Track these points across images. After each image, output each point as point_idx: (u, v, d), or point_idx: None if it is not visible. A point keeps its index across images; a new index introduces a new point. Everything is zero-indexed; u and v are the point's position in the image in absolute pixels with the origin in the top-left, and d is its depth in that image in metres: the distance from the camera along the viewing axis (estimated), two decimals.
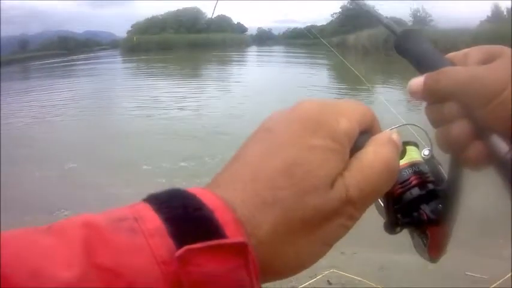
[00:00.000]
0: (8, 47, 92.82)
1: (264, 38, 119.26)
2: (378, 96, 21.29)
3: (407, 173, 0.89)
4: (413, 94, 0.80)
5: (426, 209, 0.86)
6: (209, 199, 0.51)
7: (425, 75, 0.79)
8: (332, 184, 0.56)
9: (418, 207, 0.87)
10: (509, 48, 0.78)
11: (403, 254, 5.55)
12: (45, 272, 0.42)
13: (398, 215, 0.88)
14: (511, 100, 0.69)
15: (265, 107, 17.60)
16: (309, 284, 4.93)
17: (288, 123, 0.60)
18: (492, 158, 0.74)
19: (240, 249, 0.48)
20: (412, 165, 0.90)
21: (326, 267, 5.15)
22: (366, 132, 0.67)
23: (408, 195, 0.87)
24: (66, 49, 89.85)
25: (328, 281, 5.12)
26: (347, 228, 0.60)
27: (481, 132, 0.74)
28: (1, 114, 16.54)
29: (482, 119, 0.72)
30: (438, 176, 0.91)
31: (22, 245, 0.44)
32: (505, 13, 63.33)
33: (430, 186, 0.89)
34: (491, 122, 0.71)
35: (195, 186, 0.55)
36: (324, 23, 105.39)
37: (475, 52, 0.81)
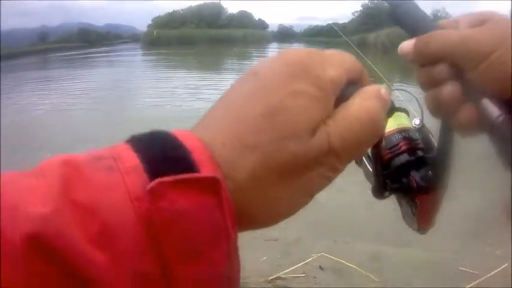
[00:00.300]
0: (27, 39, 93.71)
1: (285, 35, 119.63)
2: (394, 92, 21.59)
3: (396, 138, 0.91)
4: (405, 55, 0.82)
5: (416, 176, 0.87)
6: (189, 140, 0.50)
7: (416, 38, 0.81)
8: (314, 131, 0.54)
9: (407, 173, 0.87)
10: (497, 13, 0.79)
11: (397, 246, 5.65)
12: (20, 208, 0.42)
13: (387, 181, 0.88)
14: (500, 62, 0.70)
15: None
16: (301, 267, 5.10)
17: (274, 68, 0.57)
18: (483, 122, 0.73)
19: (212, 186, 0.47)
20: (402, 130, 0.92)
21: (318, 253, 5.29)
22: (354, 83, 0.62)
23: (397, 161, 0.88)
24: (87, 41, 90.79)
25: (320, 266, 5.17)
26: (328, 180, 0.57)
27: (471, 95, 0.74)
28: (18, 103, 16.72)
29: (472, 80, 0.73)
30: (428, 144, 0.92)
31: (4, 184, 0.44)
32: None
33: (420, 153, 0.90)
34: (481, 83, 0.72)
35: None
36: (346, 21, 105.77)
37: (465, 18, 0.83)
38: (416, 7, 0.88)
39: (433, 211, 0.89)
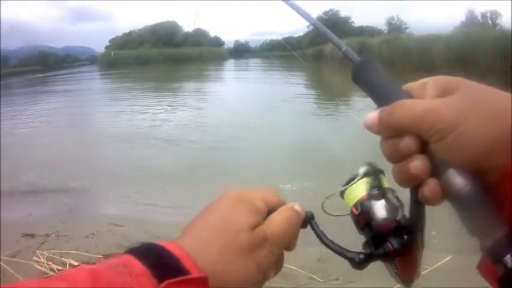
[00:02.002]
0: None
1: (241, 51, 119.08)
2: (351, 106, 21.65)
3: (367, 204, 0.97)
4: (369, 128, 0.82)
5: (393, 242, 0.92)
6: (176, 250, 0.74)
7: (380, 109, 0.81)
8: (252, 227, 0.83)
9: (385, 240, 0.93)
10: (467, 80, 0.81)
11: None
12: None
13: (370, 249, 0.95)
14: (466, 135, 0.72)
15: (225, 120, 17.83)
16: None
17: (225, 202, 0.87)
18: (448, 193, 0.76)
19: (202, 281, 0.71)
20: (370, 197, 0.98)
21: None
22: (274, 209, 0.90)
23: (375, 229, 0.94)
24: (46, 64, 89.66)
25: None
26: (270, 259, 0.84)
27: (437, 167, 0.76)
28: None
29: (438, 153, 0.75)
30: (402, 207, 0.95)
31: None
32: (479, 17, 64.00)
33: (396, 212, 0.94)
34: (447, 155, 0.74)
35: None
36: (301, 34, 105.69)
37: (432, 84, 0.83)
38: (380, 69, 0.88)
39: (413, 268, 0.94)
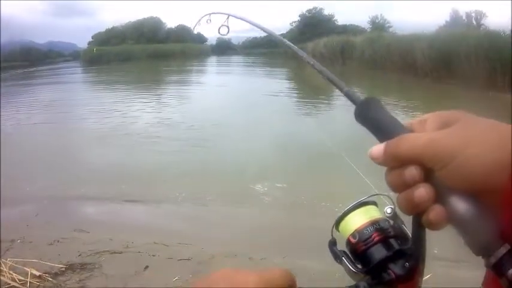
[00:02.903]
0: None
1: (224, 48, 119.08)
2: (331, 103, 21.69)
3: (368, 231, 0.97)
4: (375, 160, 0.86)
5: (394, 269, 0.92)
6: None
7: (385, 142, 0.85)
8: None
9: (386, 267, 0.92)
10: (466, 113, 0.84)
11: (310, 260, 5.75)
12: None
13: (367, 277, 0.94)
14: (467, 162, 0.75)
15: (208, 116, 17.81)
16: None
17: None
18: (451, 219, 0.79)
19: None
20: (373, 223, 0.98)
21: None
22: None
23: (375, 255, 0.94)
24: (29, 60, 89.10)
25: None
26: None
27: (440, 193, 0.79)
28: None
29: (441, 180, 0.78)
30: (400, 232, 0.97)
31: None
32: (464, 17, 64.29)
33: (393, 241, 0.95)
34: (449, 182, 0.77)
35: None
36: (284, 32, 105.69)
37: (432, 118, 0.87)
38: (382, 107, 0.93)
39: None
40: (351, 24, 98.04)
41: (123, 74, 49.88)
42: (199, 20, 2.37)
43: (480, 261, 0.80)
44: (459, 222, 0.78)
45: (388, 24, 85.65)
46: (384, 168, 0.87)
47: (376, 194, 1.07)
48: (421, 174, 0.79)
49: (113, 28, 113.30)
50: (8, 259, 5.71)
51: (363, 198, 1.03)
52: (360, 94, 0.98)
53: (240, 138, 14.46)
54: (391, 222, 0.98)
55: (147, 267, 5.82)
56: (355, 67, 41.43)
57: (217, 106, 21.45)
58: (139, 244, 6.60)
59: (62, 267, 5.72)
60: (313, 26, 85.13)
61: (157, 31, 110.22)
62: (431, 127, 0.85)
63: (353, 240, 0.98)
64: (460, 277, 5.40)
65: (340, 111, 19.94)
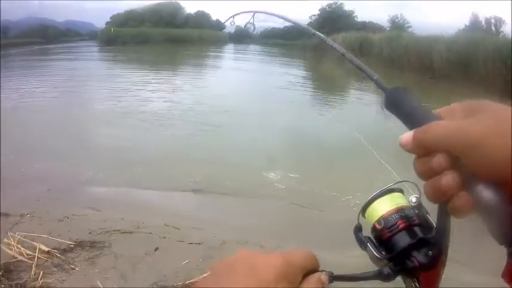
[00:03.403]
0: None
1: (242, 36, 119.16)
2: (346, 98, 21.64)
3: (394, 218, 0.98)
4: (404, 146, 0.86)
5: (418, 256, 0.92)
6: None
7: (414, 129, 0.86)
8: None
9: (409, 254, 0.93)
10: (492, 102, 0.84)
11: (322, 249, 5.63)
12: None
13: (391, 263, 0.95)
14: (492, 149, 0.75)
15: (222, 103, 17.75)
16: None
17: (268, 272, 0.80)
18: (478, 206, 0.78)
19: None
20: (398, 210, 0.98)
21: None
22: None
23: (399, 242, 0.95)
24: (46, 38, 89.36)
25: None
26: None
27: (467, 181, 0.79)
28: None
29: (468, 168, 0.78)
30: (425, 220, 0.96)
31: None
32: (483, 23, 64.02)
33: (417, 229, 0.95)
34: (476, 170, 0.77)
35: None
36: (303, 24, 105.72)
37: (460, 107, 0.87)
38: (411, 95, 0.95)
39: (435, 284, 0.95)
40: (371, 22, 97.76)
41: (139, 56, 49.85)
42: (226, 21, 2.47)
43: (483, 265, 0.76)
44: (485, 210, 0.78)
45: (407, 24, 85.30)
46: (407, 159, 0.89)
47: (402, 181, 1.08)
48: (449, 162, 0.80)
49: (132, 10, 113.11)
50: (17, 233, 5.65)
51: (389, 185, 1.04)
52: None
53: (253, 126, 14.41)
54: (416, 211, 0.98)
55: (157, 248, 5.76)
56: (372, 65, 41.37)
57: (232, 93, 21.45)
58: (150, 225, 6.55)
59: (71, 244, 5.66)
60: (332, 20, 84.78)
61: (175, 16, 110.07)
62: (459, 115, 0.85)
63: (378, 227, 1.00)
64: (465, 281, 5.35)
65: (356, 105, 19.94)
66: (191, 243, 6.03)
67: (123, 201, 7.98)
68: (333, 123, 14.92)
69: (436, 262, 0.91)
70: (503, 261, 0.79)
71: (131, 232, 6.24)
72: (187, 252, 5.73)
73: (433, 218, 0.95)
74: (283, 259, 0.82)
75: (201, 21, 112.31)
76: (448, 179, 0.79)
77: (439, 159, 0.80)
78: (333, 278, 0.91)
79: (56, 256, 5.31)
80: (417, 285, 0.94)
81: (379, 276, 0.95)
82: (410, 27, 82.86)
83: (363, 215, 1.06)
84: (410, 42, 38.49)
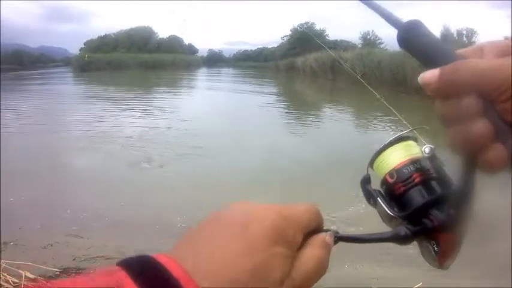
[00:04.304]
0: None
1: (215, 60, 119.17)
2: (321, 117, 21.72)
3: (408, 170, 0.90)
4: (427, 85, 0.76)
5: (437, 215, 0.84)
6: (175, 270, 0.60)
7: (440, 67, 0.74)
8: (282, 282, 0.67)
9: (427, 213, 0.85)
10: None
11: None
12: None
13: (407, 224, 0.86)
14: None
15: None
16: None
17: (260, 231, 0.68)
18: None
19: None
20: (414, 162, 0.91)
21: None
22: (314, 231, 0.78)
23: (415, 199, 0.87)
24: (20, 63, 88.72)
25: None
26: None
27: (503, 131, 0.70)
28: None
29: (505, 113, 0.69)
30: (444, 176, 0.89)
31: None
32: (455, 35, 64.45)
33: (435, 184, 0.88)
34: None
35: None
36: (275, 46, 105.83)
37: (489, 47, 0.79)
38: (430, 32, 0.81)
39: (455, 248, 0.85)
40: (342, 40, 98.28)
41: (113, 82, 49.66)
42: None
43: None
44: None
45: (379, 41, 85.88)
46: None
47: (416, 128, 1.04)
48: (480, 106, 0.70)
49: (105, 35, 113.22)
50: (2, 261, 5.70)
51: (402, 132, 0.96)
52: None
53: (228, 150, 14.38)
54: (432, 162, 0.91)
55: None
56: (343, 82, 41.51)
57: (205, 116, 21.47)
58: (133, 251, 6.47)
59: (56, 271, 5.72)
60: (304, 40, 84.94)
61: (148, 40, 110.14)
62: (490, 56, 0.77)
63: (390, 180, 0.91)
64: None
65: (330, 123, 20.05)
66: None
67: (104, 227, 7.97)
68: (309, 143, 15.04)
69: (458, 222, 0.81)
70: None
71: (115, 258, 6.25)
72: None
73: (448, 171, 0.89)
74: (281, 214, 0.73)
75: (173, 45, 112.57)
76: (481, 126, 0.69)
77: (469, 103, 0.70)
78: (339, 238, 0.82)
79: (42, 283, 5.37)
80: (435, 248, 0.86)
81: (394, 238, 0.86)
82: (382, 43, 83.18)
83: (371, 167, 0.97)
84: (383, 58, 38.75)
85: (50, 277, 5.55)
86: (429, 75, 0.75)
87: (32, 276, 5.44)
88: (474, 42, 58.34)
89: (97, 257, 6.29)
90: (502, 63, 0.70)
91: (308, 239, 0.76)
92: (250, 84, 46.32)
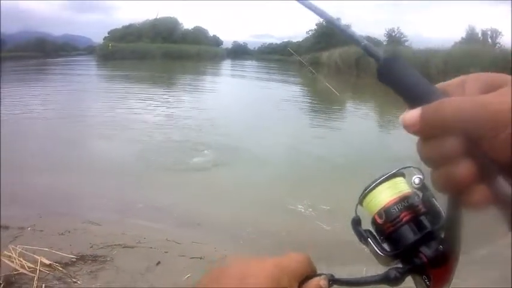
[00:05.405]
0: None
1: (239, 52, 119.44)
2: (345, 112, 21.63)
3: (396, 210, 0.89)
4: (408, 127, 0.73)
5: (427, 252, 0.86)
6: None
7: (421, 107, 0.72)
8: None
9: (417, 251, 0.87)
10: (510, 76, 0.74)
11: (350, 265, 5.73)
12: None
13: (398, 263, 0.89)
14: None
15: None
16: None
17: (257, 283, 0.77)
18: (500, 200, 0.69)
19: None
20: (402, 199, 0.90)
21: None
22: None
23: (405, 238, 0.88)
24: (43, 51, 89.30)
25: None
26: None
27: (487, 172, 0.68)
28: None
29: (490, 152, 0.67)
30: (433, 210, 0.89)
31: None
32: (479, 35, 64.26)
33: (424, 220, 0.88)
34: (499, 155, 0.66)
35: None
36: (300, 40, 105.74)
37: (472, 81, 0.77)
38: (411, 67, 0.79)
39: (447, 280, 0.87)
40: (368, 36, 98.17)
41: (137, 70, 49.80)
42: None
43: None
44: (506, 205, 0.68)
45: (404, 38, 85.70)
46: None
47: (406, 167, 0.97)
48: (464, 146, 0.67)
49: (130, 25, 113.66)
50: (18, 246, 5.63)
51: (392, 171, 0.94)
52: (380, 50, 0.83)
53: (258, 149, 13.92)
54: (420, 195, 0.91)
55: (159, 263, 5.74)
56: (368, 80, 41.49)
57: (229, 110, 21.47)
58: (151, 240, 6.54)
59: (73, 258, 5.64)
60: (329, 35, 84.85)
61: (173, 31, 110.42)
62: (473, 91, 0.74)
63: (379, 221, 0.91)
64: None
65: (353, 119, 19.93)
66: (192, 258, 5.99)
67: (123, 216, 7.95)
68: (331, 138, 14.94)
69: (447, 257, 0.84)
70: None
71: (133, 247, 6.22)
72: (189, 267, 5.69)
73: (439, 203, 0.88)
74: (275, 265, 0.79)
75: (198, 37, 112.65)
76: (464, 167, 0.68)
77: (452, 143, 0.68)
78: (333, 281, 0.87)
79: (58, 269, 5.29)
80: (428, 283, 0.88)
81: (385, 280, 0.88)
82: (407, 41, 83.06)
83: (361, 204, 0.97)
84: (408, 56, 38.63)
85: (66, 264, 5.45)
86: (409, 116, 0.73)
87: (47, 262, 5.37)
88: (499, 43, 58.24)
89: (114, 245, 6.19)
90: (486, 102, 0.67)
91: (303, 286, 0.83)
92: (274, 77, 46.36)
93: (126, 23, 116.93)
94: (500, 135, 0.64)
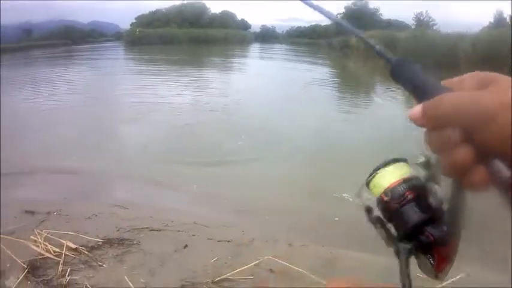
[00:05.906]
0: (12, 35, 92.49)
1: (267, 36, 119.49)
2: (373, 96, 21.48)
3: (401, 189, 0.98)
4: (414, 121, 0.83)
5: (432, 232, 0.92)
6: None
7: (424, 102, 0.82)
8: None
9: (423, 230, 0.93)
10: (502, 75, 0.83)
11: (357, 251, 5.65)
12: None
13: (404, 241, 0.96)
14: (507, 122, 0.73)
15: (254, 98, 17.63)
16: (250, 269, 4.97)
17: None
18: (495, 182, 0.77)
19: None
20: (405, 180, 0.99)
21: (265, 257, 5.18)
22: None
23: (411, 218, 0.94)
24: (71, 39, 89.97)
25: (270, 269, 5.06)
26: None
27: (482, 156, 0.77)
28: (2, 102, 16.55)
29: (483, 141, 0.76)
30: (435, 192, 0.93)
31: None
32: (508, 20, 63.59)
33: (426, 200, 0.93)
34: (491, 143, 0.75)
35: None
36: (328, 23, 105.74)
37: (470, 79, 0.86)
38: (418, 67, 0.90)
39: (450, 259, 0.94)
40: (396, 20, 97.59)
41: (165, 55, 50.01)
42: None
43: None
44: (502, 185, 0.76)
45: (432, 22, 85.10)
46: None
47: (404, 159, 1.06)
48: (462, 135, 0.77)
49: (157, 11, 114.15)
50: (44, 230, 5.59)
51: (395, 158, 1.04)
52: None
53: (290, 132, 13.90)
54: (424, 177, 0.96)
55: (186, 246, 5.64)
56: None
57: (256, 95, 21.38)
58: (179, 223, 6.44)
59: (98, 242, 5.57)
60: (357, 18, 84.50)
61: (200, 16, 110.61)
62: (470, 87, 0.84)
63: (385, 198, 0.99)
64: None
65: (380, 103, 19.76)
66: (220, 241, 5.89)
67: (151, 200, 7.96)
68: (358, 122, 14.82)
69: (451, 236, 0.91)
70: None
71: (160, 230, 6.13)
72: (216, 250, 5.59)
73: (443, 186, 0.91)
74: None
75: (226, 21, 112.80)
76: (463, 153, 0.78)
77: (451, 134, 0.78)
78: None
79: (84, 253, 5.22)
80: (431, 261, 0.94)
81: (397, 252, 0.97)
82: (435, 24, 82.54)
83: (368, 187, 1.05)
84: (436, 40, 38.29)
85: (92, 247, 5.39)
86: (414, 111, 0.83)
87: (73, 246, 5.33)
88: None
89: (141, 228, 6.12)
90: (479, 97, 0.78)
91: None
92: (303, 62, 46.24)
93: (153, 8, 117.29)
94: (490, 125, 0.74)
